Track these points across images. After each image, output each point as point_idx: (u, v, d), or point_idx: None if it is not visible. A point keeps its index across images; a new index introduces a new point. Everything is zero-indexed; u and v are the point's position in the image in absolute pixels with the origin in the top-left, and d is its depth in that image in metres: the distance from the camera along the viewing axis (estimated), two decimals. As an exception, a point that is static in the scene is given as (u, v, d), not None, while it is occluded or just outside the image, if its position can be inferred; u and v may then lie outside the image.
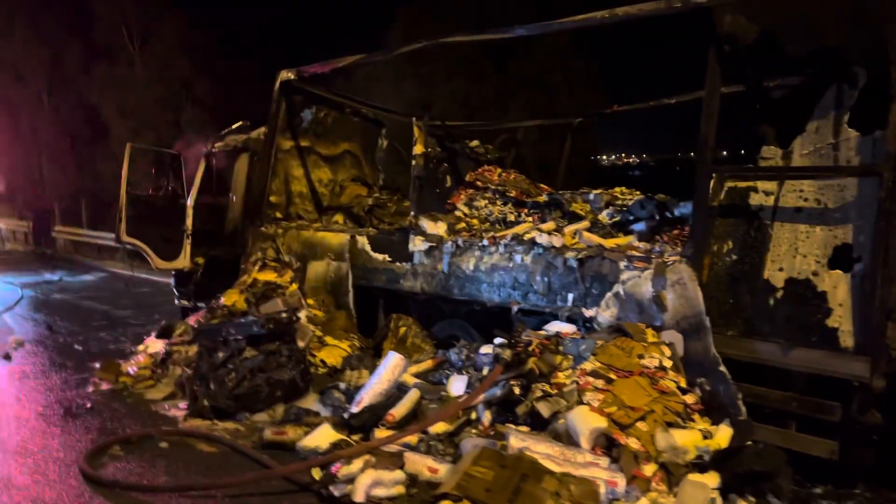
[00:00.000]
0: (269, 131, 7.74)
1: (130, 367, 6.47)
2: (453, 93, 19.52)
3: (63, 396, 5.98)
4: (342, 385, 5.68)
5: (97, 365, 6.80)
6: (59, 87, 27.14)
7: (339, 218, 8.39)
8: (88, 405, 5.71)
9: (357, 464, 3.98)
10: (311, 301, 6.82)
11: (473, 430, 4.65)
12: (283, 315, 5.84)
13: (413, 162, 6.48)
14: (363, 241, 6.79)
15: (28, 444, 4.85)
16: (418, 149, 6.45)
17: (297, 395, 5.60)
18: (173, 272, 8.81)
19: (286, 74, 7.55)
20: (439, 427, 4.68)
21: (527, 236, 5.77)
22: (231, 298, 6.78)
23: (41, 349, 7.83)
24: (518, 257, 5.62)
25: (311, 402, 5.62)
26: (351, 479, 3.95)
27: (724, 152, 5.53)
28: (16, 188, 27.70)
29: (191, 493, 4.02)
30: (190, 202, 8.45)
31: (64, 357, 7.45)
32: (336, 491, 3.95)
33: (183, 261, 8.49)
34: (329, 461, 4.05)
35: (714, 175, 4.69)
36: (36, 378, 6.55)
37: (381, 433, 4.73)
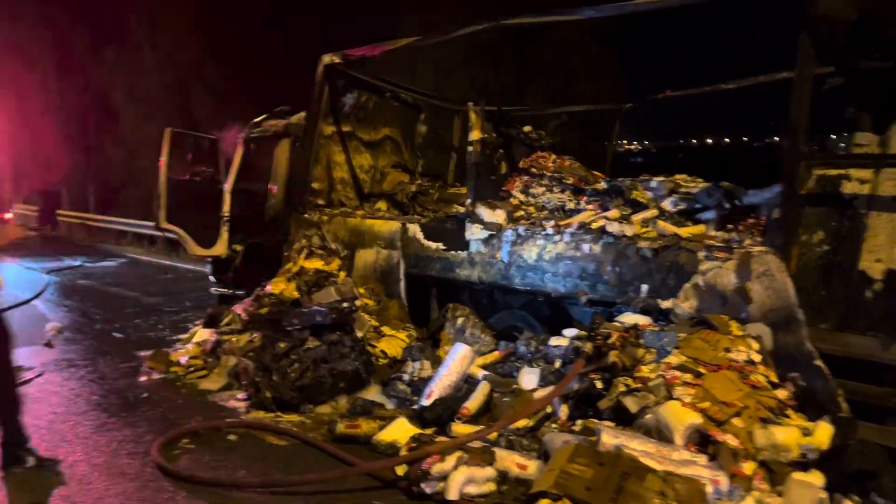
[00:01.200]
0: (311, 116, 7.53)
1: (181, 357, 6.33)
2: (472, 79, 19.23)
3: (116, 386, 5.84)
4: (405, 376, 5.54)
5: (143, 353, 6.68)
6: (66, 71, 26.87)
7: (381, 205, 8.20)
8: (145, 395, 5.58)
9: (450, 460, 3.84)
10: (361, 290, 6.67)
11: (554, 425, 4.52)
12: (344, 304, 5.68)
13: (470, 148, 6.28)
14: (415, 230, 6.61)
15: (94, 437, 4.69)
16: (475, 135, 6.24)
17: (360, 387, 5.47)
18: (209, 259, 8.64)
19: (329, 58, 7.33)
20: (519, 422, 4.55)
21: (594, 224, 5.61)
22: (279, 287, 6.63)
23: (80, 336, 7.70)
24: (586, 246, 5.45)
25: (373, 393, 5.49)
26: (443, 476, 3.82)
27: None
28: (23, 173, 27.51)
29: (277, 490, 3.88)
30: (228, 187, 8.27)
31: (106, 345, 7.31)
32: (428, 488, 3.81)
33: (220, 248, 8.32)
34: (421, 456, 3.90)
35: (802, 162, 4.53)
36: (84, 367, 6.40)
37: (457, 427, 4.60)
